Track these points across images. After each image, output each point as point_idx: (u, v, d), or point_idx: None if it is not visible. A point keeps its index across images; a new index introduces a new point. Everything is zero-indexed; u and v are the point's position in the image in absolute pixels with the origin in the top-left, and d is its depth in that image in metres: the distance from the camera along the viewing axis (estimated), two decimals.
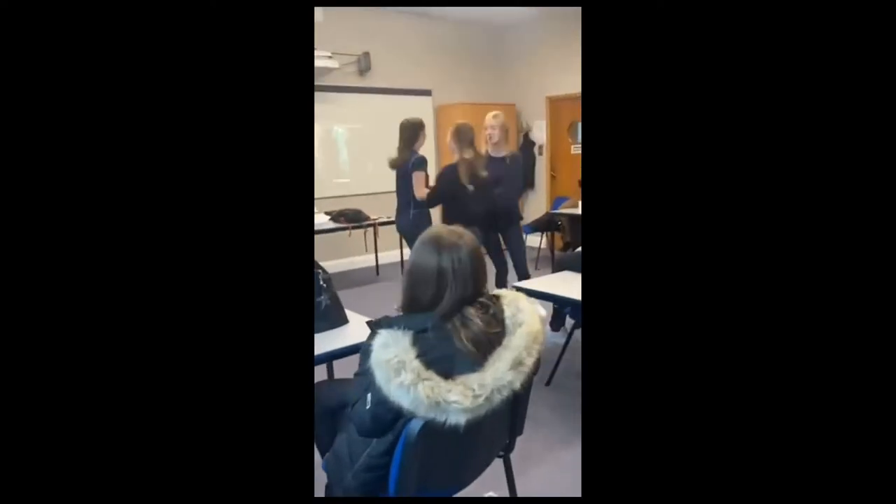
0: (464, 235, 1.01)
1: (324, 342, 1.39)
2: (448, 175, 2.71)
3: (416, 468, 0.95)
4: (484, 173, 2.65)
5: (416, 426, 0.90)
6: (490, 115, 2.89)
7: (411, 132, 2.87)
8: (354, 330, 1.48)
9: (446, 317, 0.95)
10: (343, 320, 1.54)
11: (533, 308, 1.04)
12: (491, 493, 1.60)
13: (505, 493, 1.42)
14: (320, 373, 1.66)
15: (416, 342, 0.91)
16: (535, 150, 5.74)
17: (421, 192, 2.78)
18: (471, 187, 2.61)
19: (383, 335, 0.92)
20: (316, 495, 0.79)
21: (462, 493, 1.18)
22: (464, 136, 2.66)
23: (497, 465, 1.27)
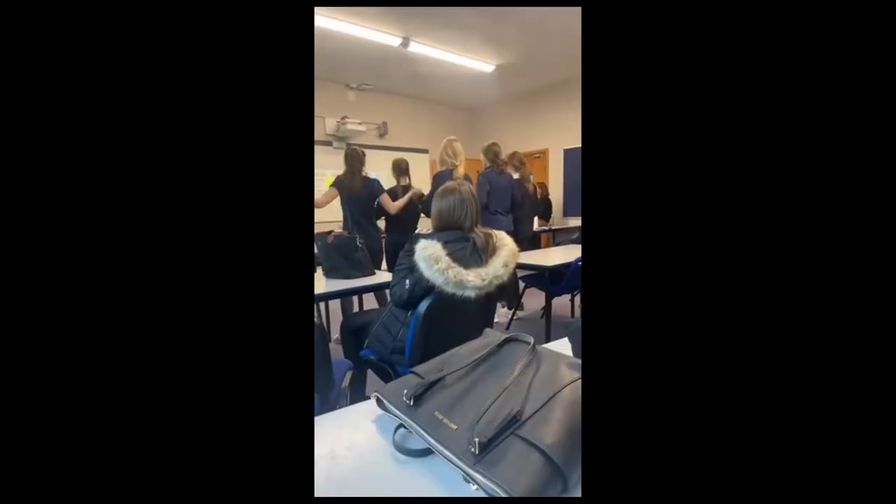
0: (464, 184, 1.60)
1: (358, 282, 2.17)
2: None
3: (423, 336, 1.48)
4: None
5: (422, 308, 1.45)
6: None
7: (398, 170, 3.72)
8: (380, 276, 2.27)
9: (464, 232, 1.54)
10: (371, 271, 2.34)
11: (507, 237, 1.59)
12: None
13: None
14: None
15: (444, 246, 1.42)
16: None
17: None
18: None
19: (423, 241, 1.44)
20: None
21: None
22: (398, 168, 3.69)
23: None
